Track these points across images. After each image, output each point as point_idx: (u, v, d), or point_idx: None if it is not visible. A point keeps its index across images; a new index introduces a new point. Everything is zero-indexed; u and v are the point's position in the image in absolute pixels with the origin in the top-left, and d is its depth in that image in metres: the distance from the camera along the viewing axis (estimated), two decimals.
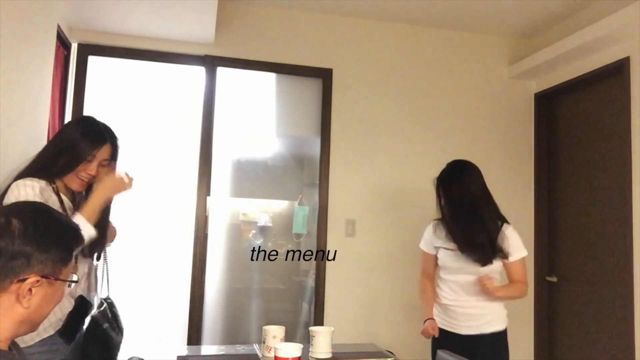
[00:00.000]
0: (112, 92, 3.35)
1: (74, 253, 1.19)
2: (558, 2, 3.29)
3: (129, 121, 3.34)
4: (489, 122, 3.78)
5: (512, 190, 3.76)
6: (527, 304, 3.70)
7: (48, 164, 1.79)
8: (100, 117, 1.96)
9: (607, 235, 3.17)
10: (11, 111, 2.05)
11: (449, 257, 2.36)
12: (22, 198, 1.64)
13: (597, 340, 3.19)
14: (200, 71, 3.42)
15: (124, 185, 1.88)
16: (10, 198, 1.66)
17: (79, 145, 1.81)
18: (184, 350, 2.27)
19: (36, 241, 1.10)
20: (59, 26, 2.80)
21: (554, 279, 3.58)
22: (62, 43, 3.01)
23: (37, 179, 1.73)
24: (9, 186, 1.71)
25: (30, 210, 1.22)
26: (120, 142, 1.96)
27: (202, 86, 3.40)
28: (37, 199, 1.66)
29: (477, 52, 3.81)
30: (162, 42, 3.31)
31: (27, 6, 2.17)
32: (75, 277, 1.23)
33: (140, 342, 3.14)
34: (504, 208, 3.71)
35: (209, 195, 3.35)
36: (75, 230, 1.23)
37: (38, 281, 1.09)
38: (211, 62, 3.41)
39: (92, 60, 3.30)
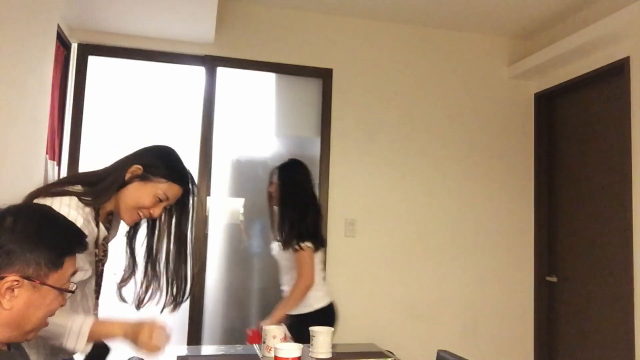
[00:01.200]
0: (112, 92, 3.34)
1: (66, 259, 1.12)
2: (558, 2, 3.29)
3: (129, 121, 3.33)
4: (488, 122, 3.78)
5: (512, 190, 3.76)
6: (527, 304, 3.70)
7: (110, 188, 1.54)
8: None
9: (607, 235, 3.16)
10: (11, 111, 2.05)
11: (275, 244, 2.64)
12: None
13: (597, 340, 3.19)
14: (200, 71, 3.42)
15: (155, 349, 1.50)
16: None
17: None
18: (184, 350, 2.27)
19: (23, 239, 1.06)
20: (59, 26, 2.80)
21: (554, 279, 3.58)
22: (62, 43, 3.01)
23: (83, 205, 1.46)
24: (39, 191, 1.43)
25: (30, 210, 1.19)
26: (195, 193, 1.70)
27: (202, 86, 3.40)
28: None
29: (477, 52, 3.81)
30: (162, 42, 3.31)
31: (27, 6, 2.17)
32: (73, 287, 1.15)
33: None
34: (504, 208, 3.76)
35: (209, 195, 3.35)
36: (77, 237, 1.18)
37: (17, 281, 1.05)
38: (211, 62, 3.40)
39: (92, 60, 3.29)
